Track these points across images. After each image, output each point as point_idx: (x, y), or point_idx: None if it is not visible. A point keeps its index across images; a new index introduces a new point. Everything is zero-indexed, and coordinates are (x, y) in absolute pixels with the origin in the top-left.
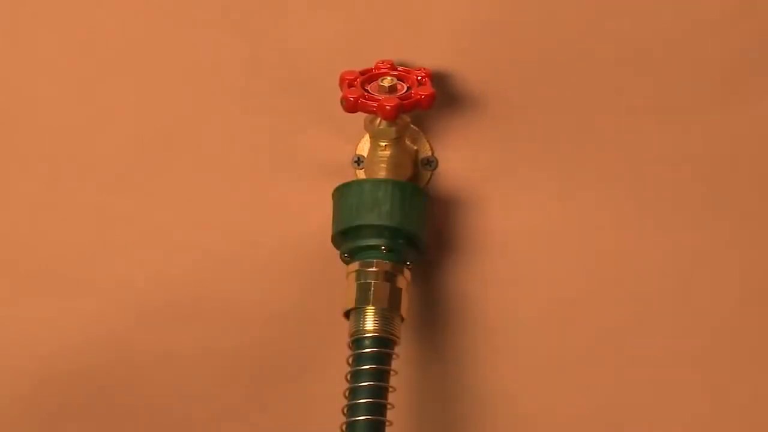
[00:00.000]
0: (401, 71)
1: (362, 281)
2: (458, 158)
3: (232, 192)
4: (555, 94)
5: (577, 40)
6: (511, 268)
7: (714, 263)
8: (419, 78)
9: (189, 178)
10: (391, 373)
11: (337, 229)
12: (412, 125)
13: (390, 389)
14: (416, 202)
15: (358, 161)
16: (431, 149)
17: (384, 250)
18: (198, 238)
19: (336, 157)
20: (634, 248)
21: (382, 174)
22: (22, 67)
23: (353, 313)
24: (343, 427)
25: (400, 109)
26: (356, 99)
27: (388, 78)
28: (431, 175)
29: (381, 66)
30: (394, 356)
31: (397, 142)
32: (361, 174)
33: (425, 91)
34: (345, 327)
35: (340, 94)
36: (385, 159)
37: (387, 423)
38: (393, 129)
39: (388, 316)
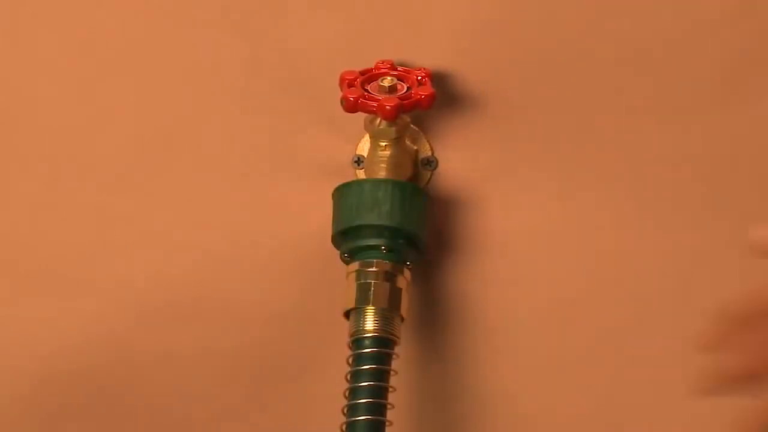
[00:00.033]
0: (401, 71)
1: (362, 281)
2: (458, 158)
3: (232, 192)
4: (555, 94)
5: (577, 40)
6: (511, 268)
7: (714, 263)
8: (419, 78)
9: (189, 178)
10: (391, 373)
11: (337, 229)
12: (412, 125)
13: (390, 389)
14: (416, 202)
15: (358, 161)
16: (431, 149)
17: (384, 250)
18: (198, 238)
19: (336, 157)
20: (634, 248)
21: (382, 174)
22: (22, 67)
23: (353, 313)
24: (343, 427)
25: (400, 109)
26: (356, 99)
27: (388, 78)
28: (431, 175)
29: (381, 66)
30: (394, 356)
31: (397, 142)
32: (361, 174)
33: (425, 91)
34: (345, 327)
35: (340, 94)
36: (385, 159)
37: (387, 423)
38: (393, 129)
39: (388, 316)
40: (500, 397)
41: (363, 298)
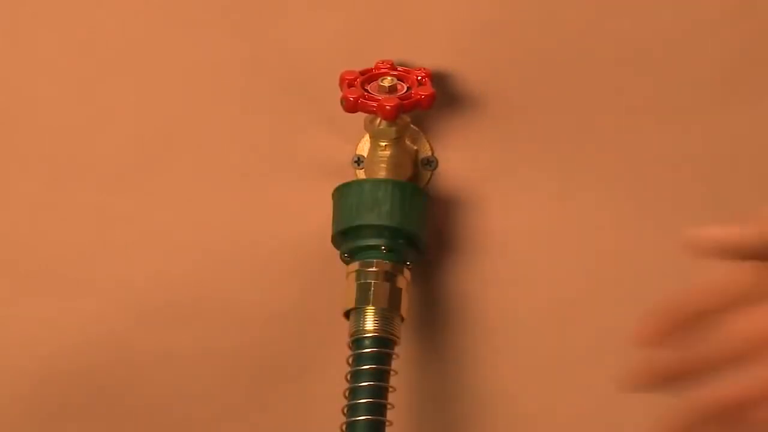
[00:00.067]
0: (401, 71)
1: (362, 281)
2: (458, 158)
3: (232, 192)
4: (555, 94)
5: (577, 40)
6: (511, 268)
7: (714, 263)
8: (419, 78)
9: (189, 178)
10: (391, 373)
11: (337, 229)
12: (412, 125)
13: (390, 389)
14: (416, 202)
15: (358, 161)
16: (431, 149)
17: (384, 250)
18: (198, 238)
19: (336, 157)
20: (634, 248)
21: (382, 174)
22: (22, 67)
23: (353, 313)
24: (343, 427)
25: (400, 109)
26: (356, 99)
27: (388, 78)
28: (431, 175)
29: (381, 66)
30: (394, 356)
31: (397, 142)
32: (361, 174)
33: (425, 91)
34: (345, 327)
35: (340, 94)
36: (385, 159)
37: (387, 423)
38: (393, 129)
39: (388, 316)
40: (500, 397)
41: (363, 298)
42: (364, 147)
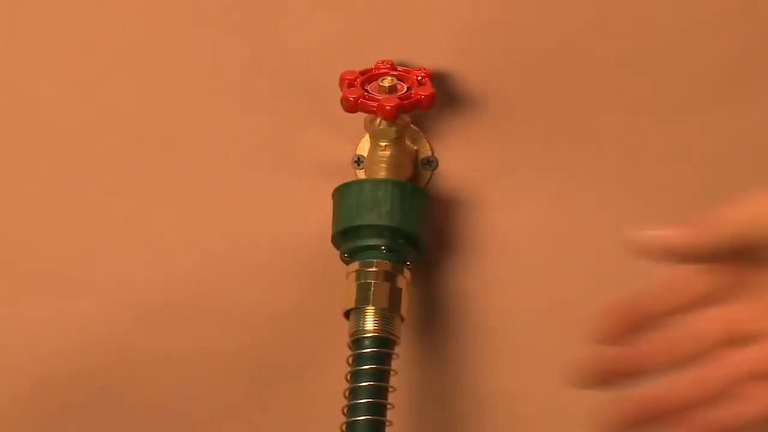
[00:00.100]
0: (401, 71)
1: (362, 281)
2: (458, 158)
3: (232, 192)
4: (555, 94)
5: (577, 40)
6: (511, 268)
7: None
8: (419, 78)
9: (189, 178)
10: (391, 373)
11: (337, 229)
12: (412, 125)
13: (390, 389)
14: (416, 202)
15: (358, 161)
16: (431, 149)
17: (384, 250)
18: (198, 238)
19: (336, 157)
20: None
21: (382, 174)
22: (23, 67)
23: (353, 313)
24: (343, 427)
25: (400, 109)
26: (356, 99)
27: (388, 78)
28: (431, 175)
29: (381, 66)
30: (394, 356)
31: (397, 142)
32: (361, 174)
33: (425, 91)
34: (345, 327)
35: (340, 94)
36: (385, 159)
37: (387, 423)
38: (393, 129)
39: (388, 316)
40: (500, 397)
41: (363, 298)
42: (364, 147)
